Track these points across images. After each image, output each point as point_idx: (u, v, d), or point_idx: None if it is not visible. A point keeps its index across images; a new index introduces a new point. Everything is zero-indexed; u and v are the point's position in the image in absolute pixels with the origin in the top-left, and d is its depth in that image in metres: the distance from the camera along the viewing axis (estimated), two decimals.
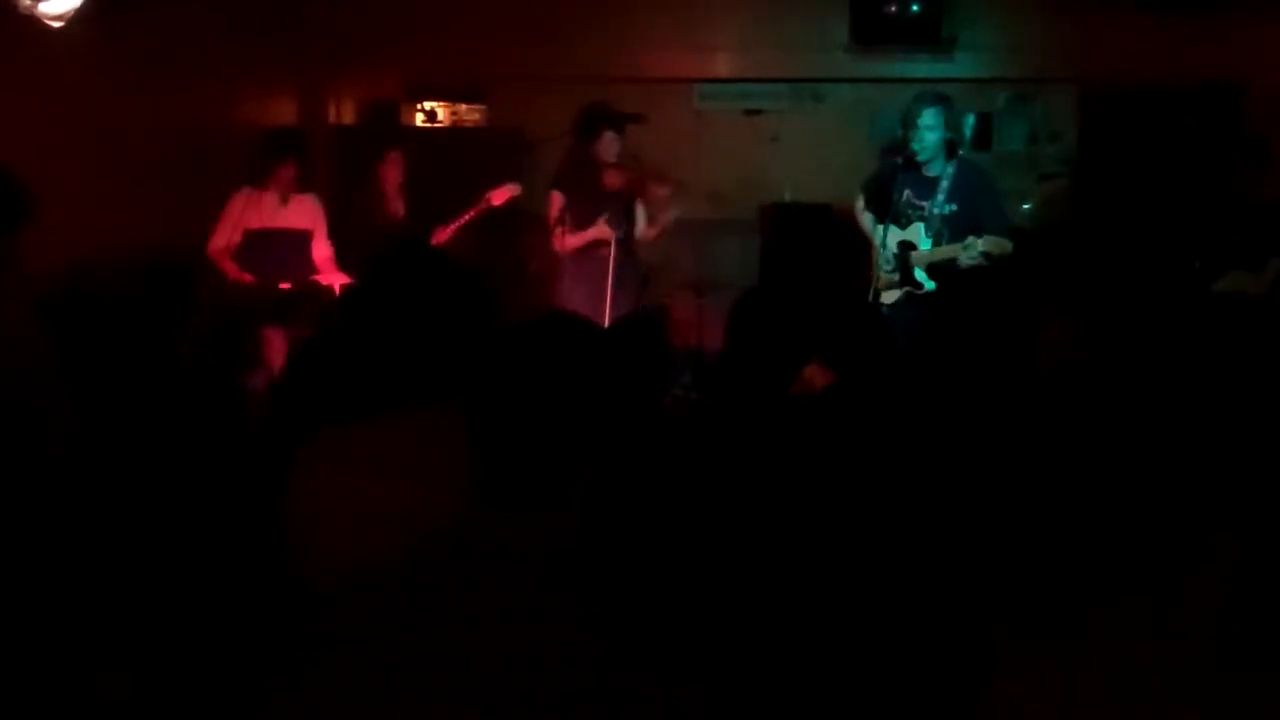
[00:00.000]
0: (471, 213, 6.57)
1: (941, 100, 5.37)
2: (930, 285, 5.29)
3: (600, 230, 6.10)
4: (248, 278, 6.06)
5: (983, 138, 8.04)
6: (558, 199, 6.22)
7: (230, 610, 2.77)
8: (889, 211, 5.41)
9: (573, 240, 6.15)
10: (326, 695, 1.52)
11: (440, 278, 2.58)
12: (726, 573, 2.34)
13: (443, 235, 6.58)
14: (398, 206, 6.70)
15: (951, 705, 2.15)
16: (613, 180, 6.18)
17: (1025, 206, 7.50)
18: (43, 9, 4.88)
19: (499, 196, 6.57)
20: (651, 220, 6.34)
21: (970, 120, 7.94)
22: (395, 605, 1.59)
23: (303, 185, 6.33)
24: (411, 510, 1.92)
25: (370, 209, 6.62)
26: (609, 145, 6.13)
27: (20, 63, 5.21)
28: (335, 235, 6.43)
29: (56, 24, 4.97)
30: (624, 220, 6.24)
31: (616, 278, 6.05)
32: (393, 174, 6.69)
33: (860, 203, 5.72)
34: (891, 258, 5.40)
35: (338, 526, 2.18)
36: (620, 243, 6.13)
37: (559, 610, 1.56)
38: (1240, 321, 5.39)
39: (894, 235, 5.40)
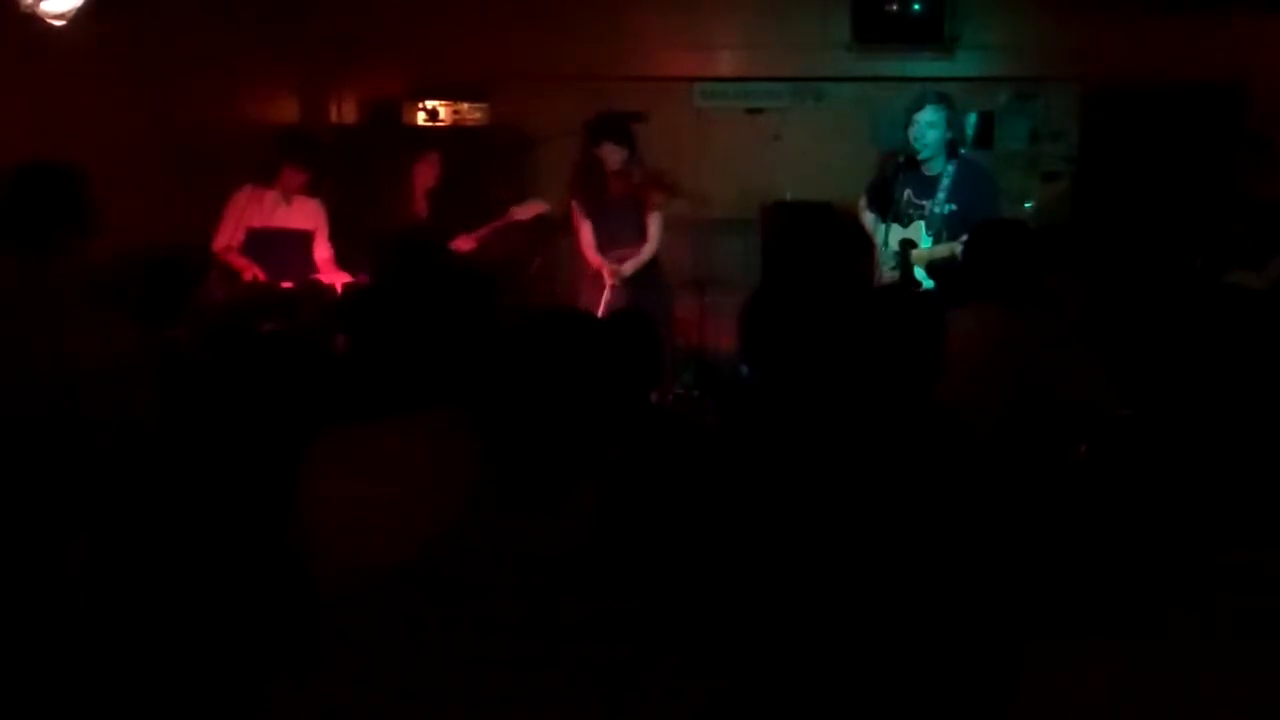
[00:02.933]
0: (495, 225, 6.63)
1: (942, 99, 5.39)
2: (929, 284, 5.31)
3: (606, 270, 6.36)
4: (259, 272, 6.06)
5: (984, 136, 8.02)
6: (575, 205, 6.47)
7: (239, 610, 2.77)
8: (890, 211, 5.43)
9: (592, 258, 6.42)
10: (336, 696, 1.52)
11: (448, 279, 2.58)
12: (738, 572, 2.34)
13: (465, 244, 6.64)
14: (422, 208, 6.73)
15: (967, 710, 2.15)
16: (617, 188, 6.28)
17: (1027, 205, 7.49)
18: (44, 7, 4.88)
19: (525, 213, 6.64)
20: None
21: (972, 119, 7.93)
22: (404, 605, 1.59)
23: (312, 190, 6.34)
24: (418, 510, 1.92)
25: (398, 210, 6.65)
26: (610, 154, 6.25)
27: (21, 61, 5.21)
28: (350, 233, 6.45)
29: (58, 23, 4.97)
30: (637, 227, 6.39)
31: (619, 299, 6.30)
32: (427, 176, 6.75)
33: (863, 202, 5.77)
34: (892, 256, 5.42)
35: (345, 527, 2.18)
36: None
37: (568, 611, 1.55)
38: (1242, 320, 5.38)
39: (896, 234, 5.42)
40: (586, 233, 6.44)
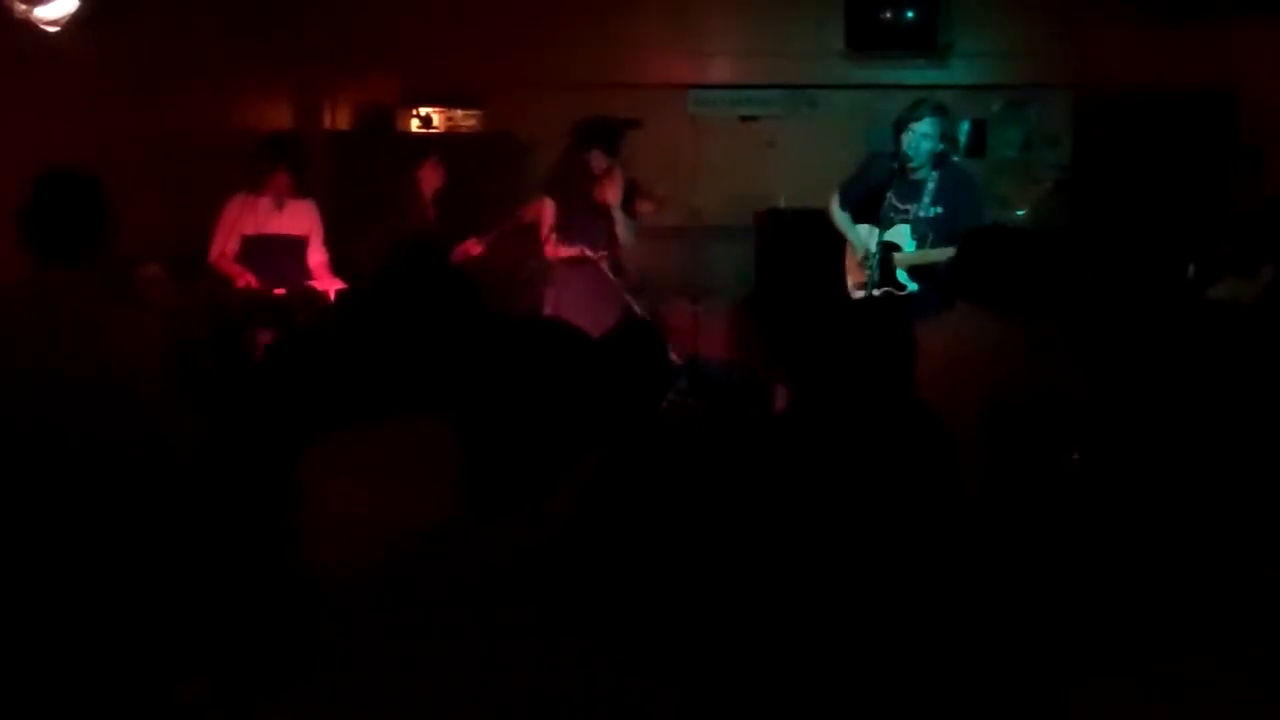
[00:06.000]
0: (504, 228, 6.64)
1: (940, 111, 5.38)
2: (913, 286, 5.32)
3: (583, 251, 6.33)
4: (252, 280, 6.06)
5: (978, 144, 8.03)
6: (548, 205, 6.43)
7: (221, 615, 2.77)
8: (871, 213, 5.43)
9: (562, 252, 6.38)
10: (315, 699, 1.52)
11: (447, 285, 2.60)
12: (719, 580, 2.34)
13: (475, 249, 6.65)
14: (431, 213, 6.74)
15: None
16: (600, 193, 6.29)
17: (1019, 214, 7.50)
18: (38, 13, 4.88)
19: (532, 213, 6.64)
20: (631, 228, 6.48)
21: (965, 126, 7.94)
22: (378, 612, 1.59)
23: (299, 191, 6.34)
24: (404, 515, 1.92)
25: (405, 215, 6.65)
26: (598, 159, 6.26)
27: (15, 67, 5.21)
28: (344, 240, 6.45)
29: (52, 29, 4.96)
30: (607, 233, 6.40)
31: (600, 290, 6.27)
32: (432, 181, 6.74)
33: (836, 203, 5.73)
34: (872, 258, 5.38)
35: (335, 530, 2.18)
36: (604, 258, 6.35)
37: (538, 614, 1.56)
38: (1234, 328, 5.39)
39: (875, 236, 5.40)
40: (549, 227, 6.42)
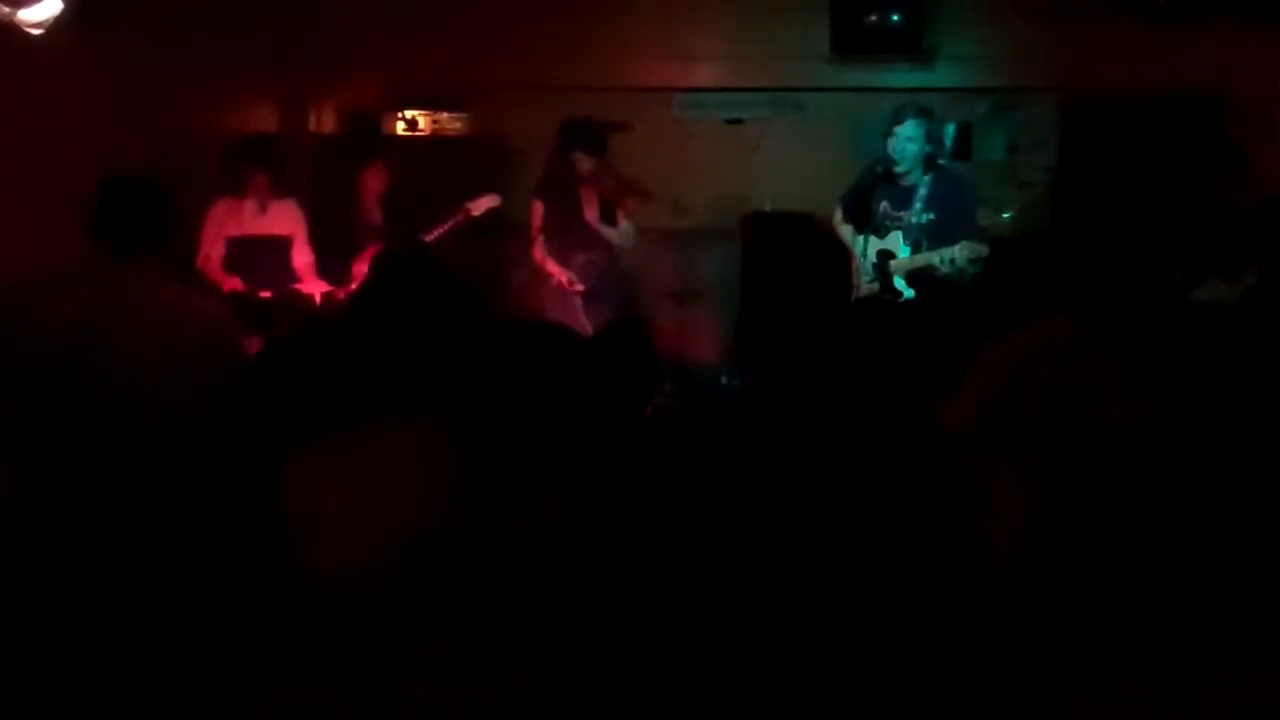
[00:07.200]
0: (450, 223, 6.58)
1: (924, 113, 5.40)
2: (909, 293, 5.33)
3: (568, 277, 6.38)
4: (238, 284, 6.04)
5: (963, 147, 8.04)
6: (539, 208, 6.46)
7: (213, 615, 2.76)
8: (867, 222, 5.45)
9: (549, 266, 6.41)
10: (313, 700, 1.52)
11: (439, 288, 2.59)
12: (709, 581, 2.34)
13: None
14: (376, 215, 6.71)
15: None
16: (589, 194, 6.29)
17: (1005, 216, 7.52)
18: (22, 16, 4.86)
19: (478, 207, 6.60)
20: (628, 233, 6.51)
21: (950, 130, 7.95)
22: (372, 612, 1.59)
23: (279, 191, 6.32)
24: (398, 516, 1.92)
25: (351, 217, 6.63)
26: (581, 162, 6.26)
27: (5, 69, 5.19)
28: (314, 242, 6.44)
29: (36, 31, 4.94)
30: (595, 236, 6.41)
31: (586, 304, 6.34)
32: (375, 183, 6.71)
33: (839, 214, 5.78)
34: (870, 267, 5.43)
35: (329, 532, 2.18)
36: (590, 276, 6.39)
37: (533, 614, 1.56)
38: (1220, 330, 5.41)
39: (873, 244, 5.44)
40: (537, 228, 6.48)
